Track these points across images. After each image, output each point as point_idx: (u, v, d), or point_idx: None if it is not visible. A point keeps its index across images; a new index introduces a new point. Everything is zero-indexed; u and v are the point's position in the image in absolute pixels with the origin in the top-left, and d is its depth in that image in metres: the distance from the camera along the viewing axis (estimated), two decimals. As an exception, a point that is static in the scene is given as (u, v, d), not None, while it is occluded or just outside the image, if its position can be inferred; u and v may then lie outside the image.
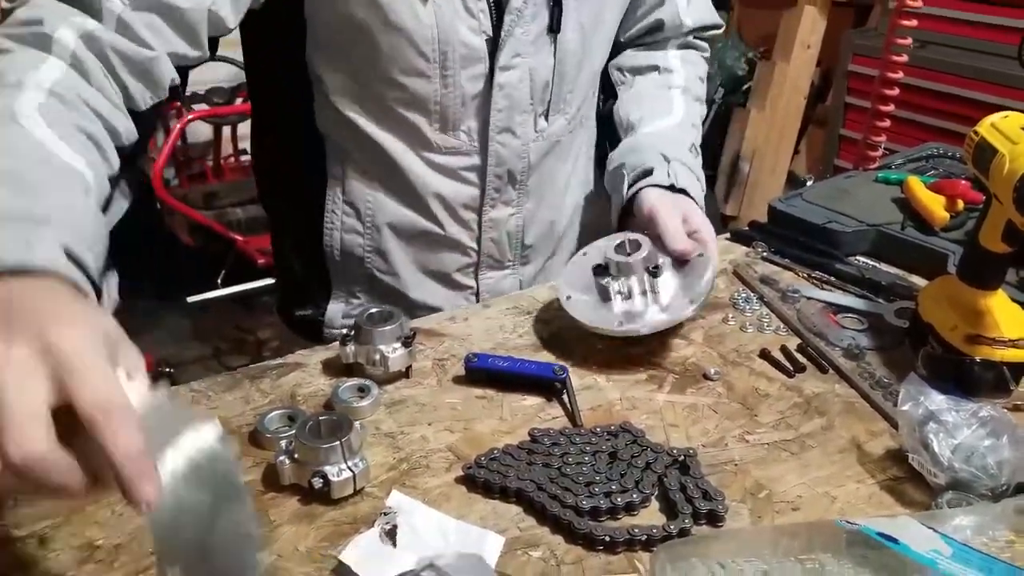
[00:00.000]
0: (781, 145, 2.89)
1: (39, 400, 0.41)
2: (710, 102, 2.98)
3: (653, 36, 1.12)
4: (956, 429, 0.68)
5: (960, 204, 1.11)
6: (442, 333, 0.92)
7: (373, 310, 0.85)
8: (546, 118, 0.97)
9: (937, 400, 0.71)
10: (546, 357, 0.88)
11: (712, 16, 1.15)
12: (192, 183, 3.40)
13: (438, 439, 0.76)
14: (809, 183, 1.26)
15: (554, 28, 0.91)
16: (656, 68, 1.11)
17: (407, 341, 0.83)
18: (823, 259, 1.10)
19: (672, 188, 0.96)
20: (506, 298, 1.01)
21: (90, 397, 0.42)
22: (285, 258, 1.01)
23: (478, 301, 1.06)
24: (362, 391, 0.81)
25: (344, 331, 0.84)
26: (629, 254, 0.90)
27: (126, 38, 0.69)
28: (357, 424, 0.71)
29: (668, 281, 0.90)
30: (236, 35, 0.87)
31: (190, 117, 2.69)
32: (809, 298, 1.02)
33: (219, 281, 2.78)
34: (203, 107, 3.07)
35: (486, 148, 0.95)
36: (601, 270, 0.91)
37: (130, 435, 0.42)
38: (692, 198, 0.97)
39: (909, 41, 1.29)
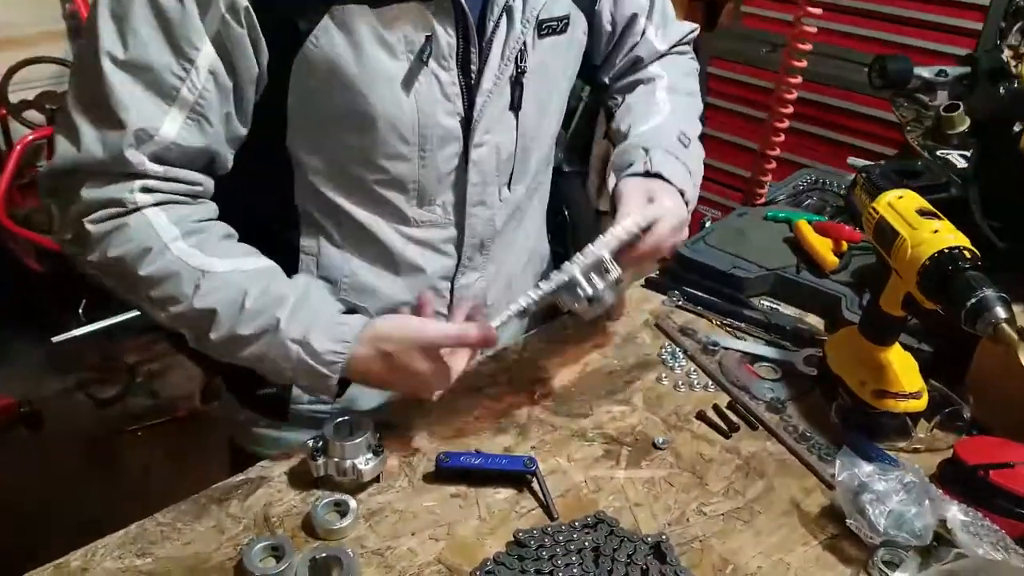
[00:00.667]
0: (646, 139, 3.03)
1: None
2: (577, 98, 3.07)
3: (635, 67, 1.16)
4: (886, 496, 0.79)
5: (844, 244, 1.24)
6: (402, 426, 0.94)
7: (339, 420, 0.85)
8: (509, 187, 1.01)
9: (867, 470, 0.81)
10: (506, 440, 0.92)
11: (682, 28, 1.19)
12: (27, 197, 3.11)
13: (425, 550, 0.79)
14: (708, 224, 1.35)
15: (515, 105, 0.95)
16: (641, 82, 1.16)
17: (377, 450, 0.84)
18: (730, 304, 1.20)
19: (647, 174, 1.00)
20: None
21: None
22: None
23: None
24: (339, 506, 0.82)
25: (311, 443, 0.84)
26: None
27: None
28: (349, 552, 0.72)
29: None
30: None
31: (31, 137, 2.45)
32: (727, 349, 1.11)
33: (81, 313, 2.58)
34: (33, 113, 2.81)
35: (462, 221, 0.98)
36: None
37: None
38: (667, 180, 1.00)
39: (804, 64, 1.39)
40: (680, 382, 1.04)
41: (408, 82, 0.86)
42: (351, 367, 0.83)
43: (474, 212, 0.99)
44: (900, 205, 0.92)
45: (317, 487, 0.85)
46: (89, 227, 0.80)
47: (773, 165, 1.42)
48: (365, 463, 0.83)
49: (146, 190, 0.81)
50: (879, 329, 0.97)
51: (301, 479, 0.86)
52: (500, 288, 1.09)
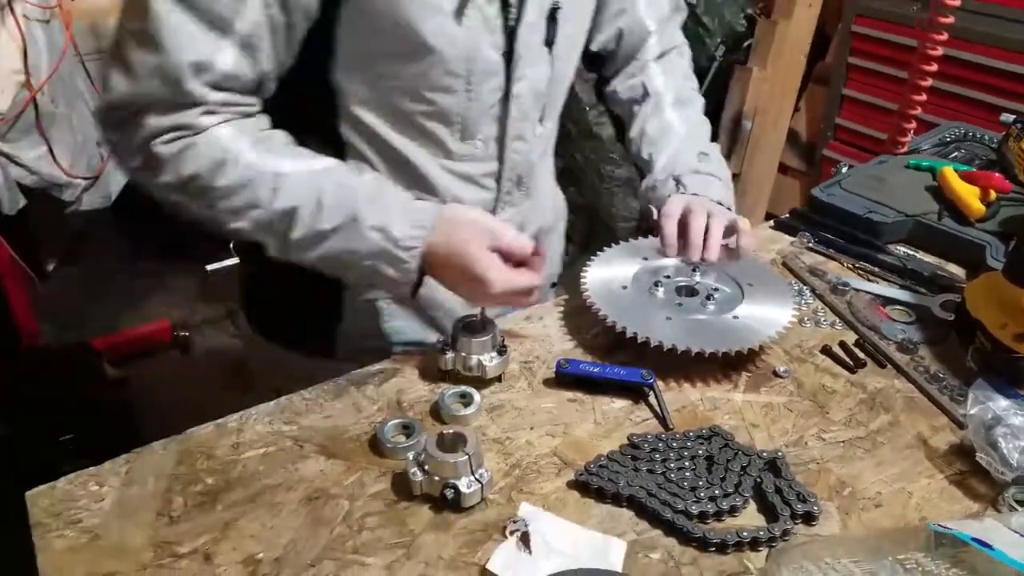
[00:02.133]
0: (783, 103, 2.92)
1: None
2: (711, 59, 3.00)
3: (629, 58, 1.16)
4: (1022, 431, 0.76)
5: (992, 194, 1.18)
6: (523, 335, 0.98)
7: (468, 318, 0.90)
8: (541, 123, 1.03)
9: (1003, 404, 0.78)
10: (624, 357, 0.94)
11: (673, 5, 1.18)
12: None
13: (542, 444, 0.82)
14: (844, 169, 1.31)
15: (549, 40, 0.95)
16: (646, 95, 1.16)
17: (502, 349, 0.88)
18: (864, 248, 1.16)
19: None
20: (574, 297, 1.06)
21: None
22: (287, 272, 0.93)
23: None
24: (464, 397, 0.87)
25: (440, 339, 0.89)
26: None
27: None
28: (476, 437, 0.77)
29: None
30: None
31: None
32: (858, 290, 1.08)
33: (231, 246, 2.78)
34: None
35: (502, 155, 0.99)
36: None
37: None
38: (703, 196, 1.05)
39: (952, 20, 1.32)
40: (806, 318, 1.03)
41: (459, 13, 0.86)
42: (428, 254, 0.86)
43: (514, 147, 1.00)
44: (1062, 139, 0.87)
45: (445, 381, 0.90)
46: (159, 149, 0.81)
47: (913, 125, 1.37)
48: (490, 360, 0.87)
49: (208, 113, 0.82)
50: (1026, 271, 0.92)
51: (429, 373, 0.91)
52: (535, 225, 1.11)
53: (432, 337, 1.00)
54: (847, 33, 2.65)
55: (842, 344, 0.98)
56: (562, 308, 1.04)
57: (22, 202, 2.15)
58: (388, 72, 0.89)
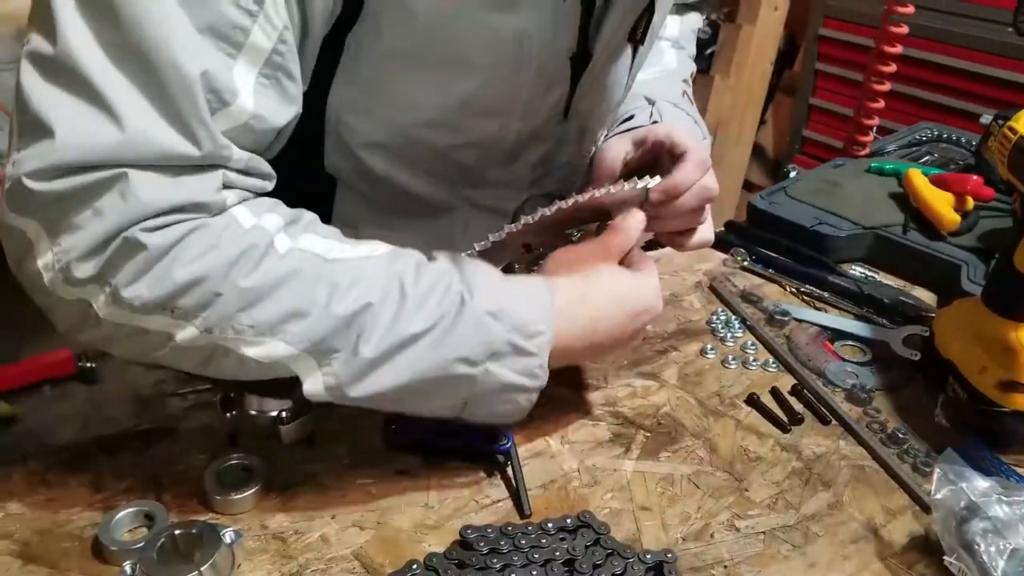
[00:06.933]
0: (747, 114, 2.72)
1: None
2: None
3: None
4: (1009, 528, 0.53)
5: (970, 202, 0.96)
6: (357, 381, 0.74)
7: (263, 362, 0.66)
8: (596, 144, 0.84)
9: (980, 487, 0.56)
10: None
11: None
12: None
13: (342, 540, 0.59)
14: (793, 174, 1.09)
15: (636, 38, 0.76)
16: None
17: (305, 404, 0.65)
18: (812, 268, 0.94)
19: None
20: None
21: None
22: None
23: None
24: (247, 471, 0.63)
25: (222, 392, 0.66)
26: None
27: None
28: (228, 535, 0.53)
29: None
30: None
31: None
32: (800, 321, 0.86)
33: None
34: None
35: (538, 183, 0.81)
36: None
37: None
38: None
39: (911, 9, 1.11)
40: (731, 357, 0.80)
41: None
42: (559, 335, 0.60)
43: (555, 175, 0.81)
44: (1053, 121, 0.65)
45: (235, 448, 0.66)
46: (144, 238, 0.50)
47: (870, 138, 1.18)
48: (287, 415, 0.64)
49: (227, 186, 0.55)
50: (1012, 297, 0.70)
51: (215, 436, 0.67)
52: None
53: None
54: (814, 38, 2.45)
55: (775, 391, 0.76)
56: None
57: None
58: (416, 92, 0.67)
